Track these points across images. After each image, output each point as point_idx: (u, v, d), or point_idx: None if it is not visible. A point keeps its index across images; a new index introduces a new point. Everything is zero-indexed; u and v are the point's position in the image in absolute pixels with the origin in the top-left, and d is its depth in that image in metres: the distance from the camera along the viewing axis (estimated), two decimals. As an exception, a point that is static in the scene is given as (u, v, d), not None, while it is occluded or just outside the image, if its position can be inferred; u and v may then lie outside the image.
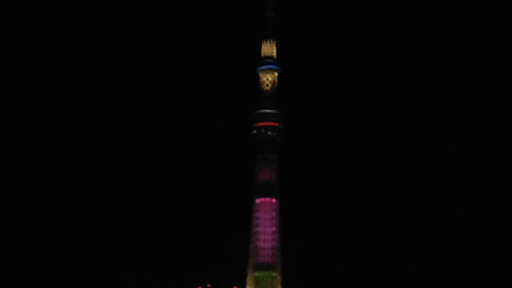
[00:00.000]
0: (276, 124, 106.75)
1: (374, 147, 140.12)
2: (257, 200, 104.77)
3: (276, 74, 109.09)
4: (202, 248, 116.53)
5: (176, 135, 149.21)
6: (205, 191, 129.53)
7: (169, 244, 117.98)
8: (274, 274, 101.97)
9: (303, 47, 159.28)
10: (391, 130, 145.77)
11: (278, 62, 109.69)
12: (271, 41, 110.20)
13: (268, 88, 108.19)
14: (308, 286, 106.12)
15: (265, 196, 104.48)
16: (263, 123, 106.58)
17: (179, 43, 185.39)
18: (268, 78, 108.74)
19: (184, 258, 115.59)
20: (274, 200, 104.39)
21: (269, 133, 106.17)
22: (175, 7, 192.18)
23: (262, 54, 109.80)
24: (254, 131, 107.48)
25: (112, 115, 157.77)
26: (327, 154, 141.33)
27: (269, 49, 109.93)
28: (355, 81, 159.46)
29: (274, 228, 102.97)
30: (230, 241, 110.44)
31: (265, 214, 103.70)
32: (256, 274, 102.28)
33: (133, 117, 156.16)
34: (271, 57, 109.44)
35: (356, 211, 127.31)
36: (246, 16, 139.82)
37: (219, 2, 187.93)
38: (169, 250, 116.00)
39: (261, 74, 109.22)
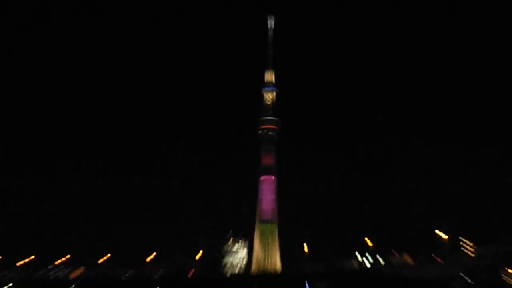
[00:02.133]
0: (275, 127, 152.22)
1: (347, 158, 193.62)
2: (262, 177, 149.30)
3: (274, 93, 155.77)
4: (226, 210, 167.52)
5: (209, 136, 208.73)
6: (228, 172, 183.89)
7: (207, 207, 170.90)
8: (272, 226, 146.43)
9: (293, 75, 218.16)
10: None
11: (276, 85, 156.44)
12: (271, 71, 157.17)
13: (269, 103, 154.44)
14: (296, 234, 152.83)
15: (267, 174, 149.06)
16: (266, 126, 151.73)
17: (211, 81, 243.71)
18: (269, 96, 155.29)
19: (214, 218, 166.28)
20: (273, 177, 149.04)
21: (270, 133, 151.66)
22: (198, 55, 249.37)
23: (265, 80, 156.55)
24: (260, 131, 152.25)
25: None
26: (309, 147, 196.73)
27: (270, 76, 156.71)
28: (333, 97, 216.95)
29: (273, 196, 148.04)
30: (244, 205, 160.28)
31: (267, 186, 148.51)
32: (261, 226, 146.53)
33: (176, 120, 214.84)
34: (271, 82, 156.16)
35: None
36: (255, 53, 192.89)
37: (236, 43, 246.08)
38: (206, 211, 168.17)
39: (264, 93, 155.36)
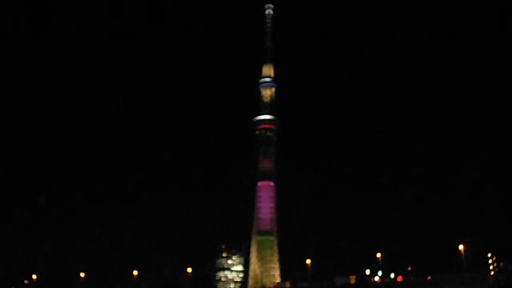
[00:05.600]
0: (273, 127, 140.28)
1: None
2: (259, 183, 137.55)
3: (273, 89, 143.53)
4: (218, 220, 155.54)
5: (202, 137, 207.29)
6: (222, 177, 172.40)
7: (199, 217, 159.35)
8: (271, 238, 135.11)
9: (294, 69, 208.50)
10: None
11: (275, 80, 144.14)
12: (270, 64, 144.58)
13: (267, 100, 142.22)
14: (298, 247, 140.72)
15: (265, 180, 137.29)
16: (264, 126, 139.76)
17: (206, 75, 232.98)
18: (267, 93, 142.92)
19: (205, 227, 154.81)
20: (272, 183, 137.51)
21: (268, 133, 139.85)
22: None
23: (263, 74, 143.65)
24: (257, 132, 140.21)
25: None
26: (314, 149, 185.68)
27: (268, 70, 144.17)
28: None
29: (272, 204, 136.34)
30: (239, 214, 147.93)
31: (265, 193, 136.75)
32: (259, 238, 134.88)
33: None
34: (269, 77, 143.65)
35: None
36: (251, 45, 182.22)
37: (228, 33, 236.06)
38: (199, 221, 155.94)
39: (262, 90, 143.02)
